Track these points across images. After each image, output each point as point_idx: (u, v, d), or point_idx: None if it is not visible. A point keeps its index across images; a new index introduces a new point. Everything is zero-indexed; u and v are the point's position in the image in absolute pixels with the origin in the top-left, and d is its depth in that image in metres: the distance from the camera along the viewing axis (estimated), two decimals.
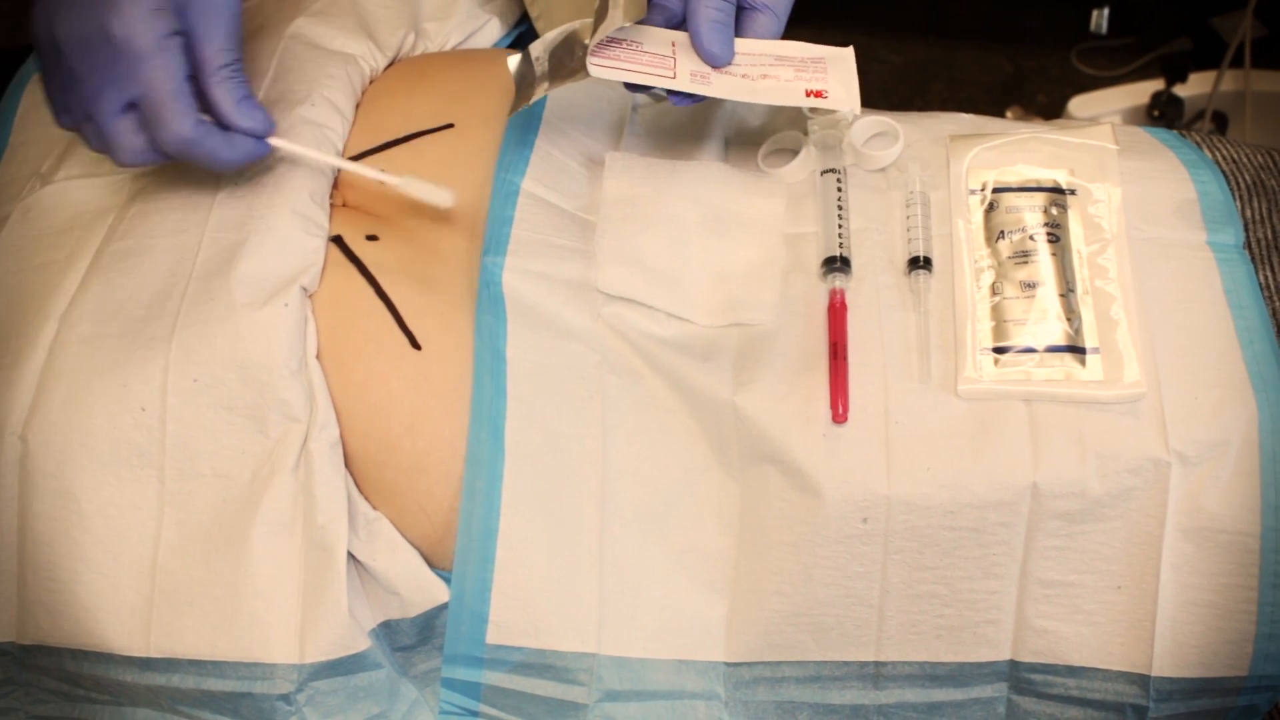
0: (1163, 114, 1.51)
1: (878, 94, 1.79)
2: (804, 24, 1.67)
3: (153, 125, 0.61)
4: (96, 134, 0.62)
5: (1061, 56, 1.87)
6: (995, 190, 0.69)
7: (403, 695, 0.67)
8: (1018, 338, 0.64)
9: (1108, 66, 1.84)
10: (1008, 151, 0.70)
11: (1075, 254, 0.67)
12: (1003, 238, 0.67)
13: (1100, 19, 1.66)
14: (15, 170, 0.75)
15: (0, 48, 0.89)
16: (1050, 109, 1.79)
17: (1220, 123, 1.51)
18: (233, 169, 0.65)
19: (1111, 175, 0.69)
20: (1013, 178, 0.69)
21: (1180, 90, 1.51)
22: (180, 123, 0.60)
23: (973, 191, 0.69)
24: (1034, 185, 0.69)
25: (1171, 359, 0.64)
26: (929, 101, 1.81)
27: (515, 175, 0.69)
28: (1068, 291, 0.65)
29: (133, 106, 0.61)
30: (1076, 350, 0.64)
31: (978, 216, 0.68)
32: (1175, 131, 0.77)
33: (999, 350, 0.64)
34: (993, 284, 0.66)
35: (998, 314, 0.65)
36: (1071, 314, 0.65)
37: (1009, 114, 1.68)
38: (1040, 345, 0.64)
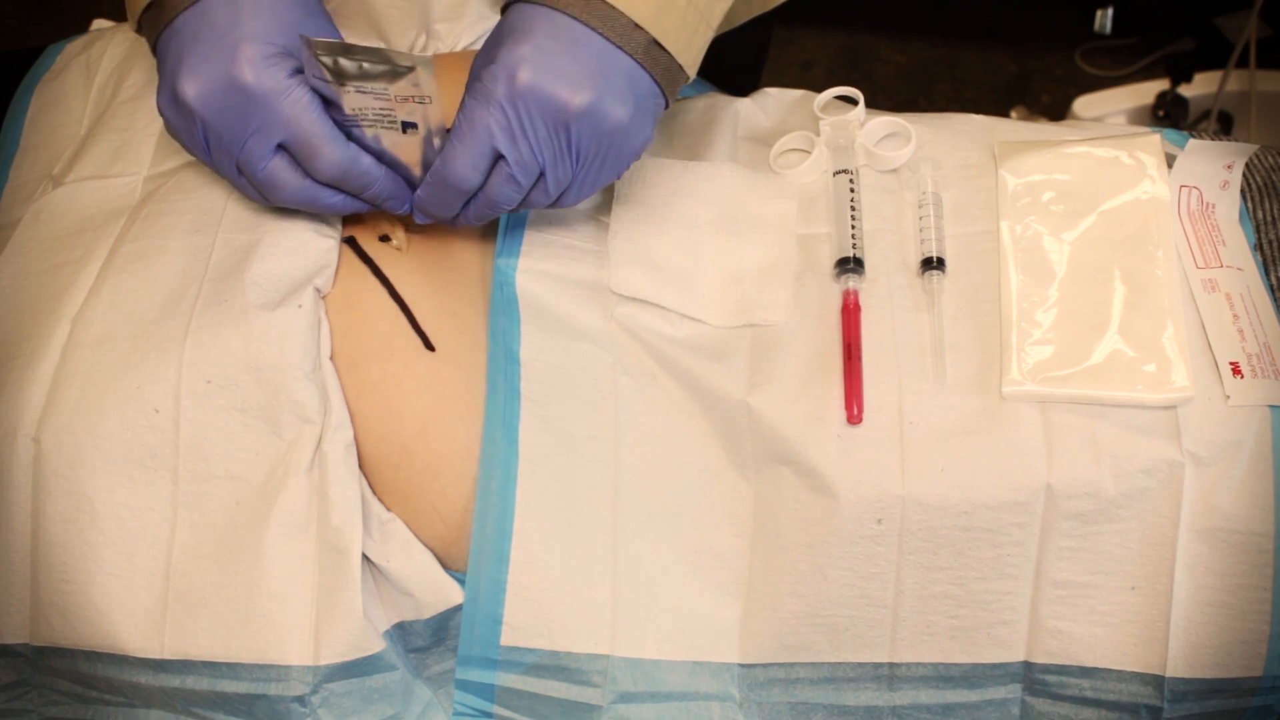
0: (1168, 114, 1.51)
1: (882, 94, 1.79)
2: (809, 24, 1.69)
3: (306, 159, 0.60)
4: (251, 182, 0.62)
5: (1065, 56, 1.87)
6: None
7: (417, 697, 0.67)
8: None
9: (1112, 66, 1.84)
10: (1057, 159, 0.70)
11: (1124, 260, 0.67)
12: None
13: (1104, 19, 1.66)
14: (27, 173, 0.75)
15: (8, 50, 0.89)
16: (1054, 109, 1.80)
17: (1225, 123, 1.51)
18: (381, 195, 0.63)
19: (1161, 186, 0.68)
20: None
21: (1185, 90, 1.52)
22: (334, 148, 0.60)
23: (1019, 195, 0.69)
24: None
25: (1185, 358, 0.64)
26: (933, 101, 1.81)
27: None
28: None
29: (280, 149, 0.60)
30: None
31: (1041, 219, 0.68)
32: (1185, 132, 0.77)
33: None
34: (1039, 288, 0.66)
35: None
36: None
37: (1014, 114, 1.68)
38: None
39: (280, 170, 0.61)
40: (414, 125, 0.61)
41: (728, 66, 0.85)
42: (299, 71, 0.59)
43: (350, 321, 0.65)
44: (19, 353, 0.64)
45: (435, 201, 0.63)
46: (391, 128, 0.61)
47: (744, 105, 0.78)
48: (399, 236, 0.68)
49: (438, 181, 0.61)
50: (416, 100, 0.59)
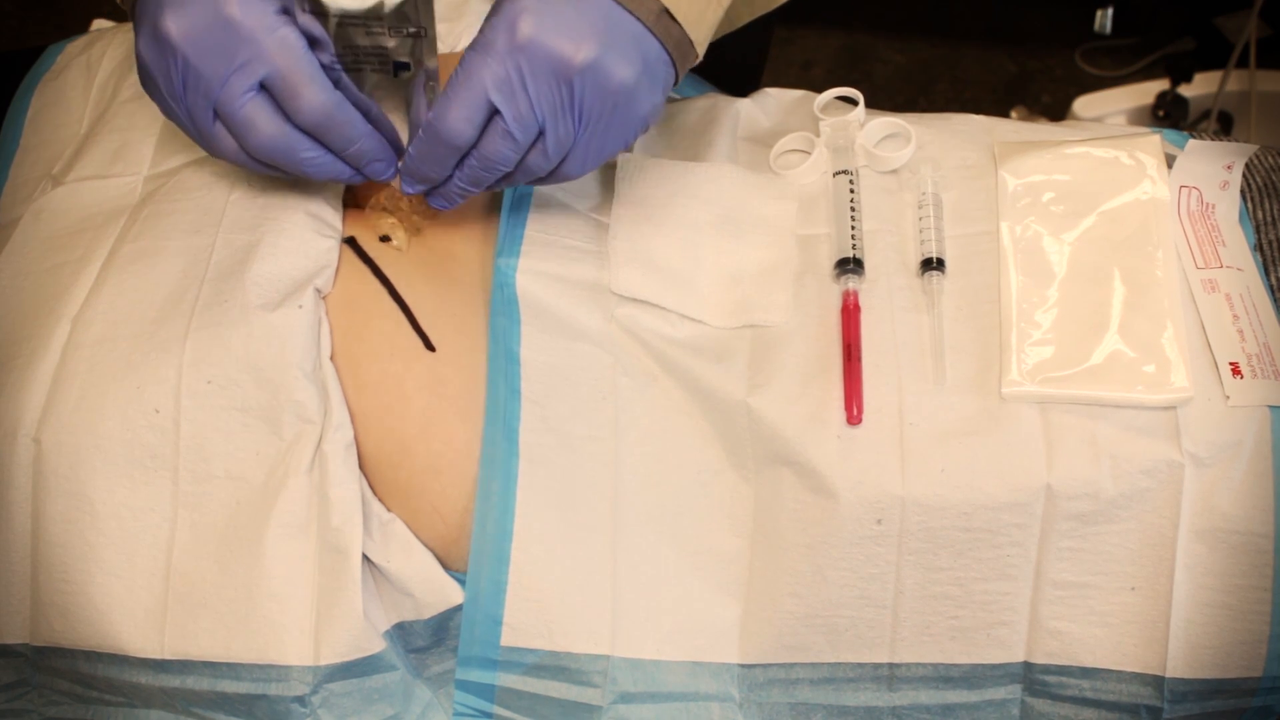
0: (1168, 114, 1.51)
1: (882, 94, 1.79)
2: (808, 24, 1.69)
3: (288, 99, 0.58)
4: (228, 124, 0.59)
5: (1065, 56, 1.87)
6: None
7: (417, 697, 0.67)
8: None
9: (1112, 66, 1.84)
10: (1057, 160, 0.70)
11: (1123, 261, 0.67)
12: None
13: (1104, 19, 1.66)
14: (27, 172, 0.75)
15: (8, 50, 0.89)
16: (1054, 109, 1.80)
17: (1225, 123, 1.51)
18: (364, 155, 0.61)
19: (1161, 186, 0.68)
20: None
21: (1185, 90, 1.52)
22: (317, 89, 0.58)
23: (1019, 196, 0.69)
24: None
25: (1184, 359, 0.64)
26: (933, 101, 1.81)
27: None
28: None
29: (263, 90, 0.58)
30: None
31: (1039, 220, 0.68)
32: (1185, 133, 0.77)
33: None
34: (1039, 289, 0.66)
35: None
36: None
37: (1014, 114, 1.68)
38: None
39: (259, 111, 0.59)
40: (406, 66, 0.58)
41: (728, 66, 0.85)
42: (286, 13, 0.58)
43: (351, 322, 0.65)
44: (19, 353, 0.64)
45: (426, 159, 0.61)
46: (383, 70, 0.59)
47: (744, 106, 0.78)
48: (399, 237, 0.68)
49: (430, 136, 0.59)
50: (409, 33, 0.57)
